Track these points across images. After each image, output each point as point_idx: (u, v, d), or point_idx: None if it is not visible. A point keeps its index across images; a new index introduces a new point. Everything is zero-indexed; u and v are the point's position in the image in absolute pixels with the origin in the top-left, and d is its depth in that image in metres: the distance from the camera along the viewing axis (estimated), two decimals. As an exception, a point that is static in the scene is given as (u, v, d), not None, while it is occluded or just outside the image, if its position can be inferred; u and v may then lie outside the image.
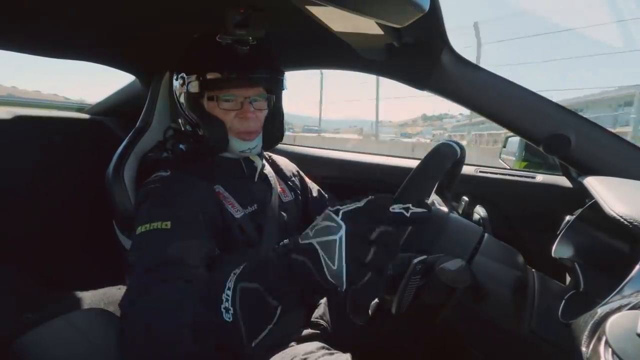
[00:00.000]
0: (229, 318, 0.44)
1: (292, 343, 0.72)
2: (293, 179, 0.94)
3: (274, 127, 0.78)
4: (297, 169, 0.99)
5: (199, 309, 0.47)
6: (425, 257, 0.47)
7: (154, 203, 0.66)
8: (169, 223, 0.60)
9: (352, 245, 0.41)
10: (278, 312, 0.45)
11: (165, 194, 0.67)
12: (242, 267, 0.49)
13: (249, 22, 0.64)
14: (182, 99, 0.73)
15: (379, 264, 0.42)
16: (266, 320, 0.45)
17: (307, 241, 0.44)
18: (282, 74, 0.74)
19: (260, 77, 0.70)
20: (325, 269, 0.42)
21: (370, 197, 0.45)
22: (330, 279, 0.41)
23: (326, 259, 0.41)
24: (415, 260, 0.45)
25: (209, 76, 0.67)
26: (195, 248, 0.60)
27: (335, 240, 0.41)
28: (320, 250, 0.42)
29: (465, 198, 0.83)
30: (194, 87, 0.68)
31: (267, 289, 0.45)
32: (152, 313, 0.49)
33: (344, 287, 0.41)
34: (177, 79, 0.73)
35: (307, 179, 1.00)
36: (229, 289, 0.45)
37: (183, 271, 0.54)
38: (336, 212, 0.44)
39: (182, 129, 0.79)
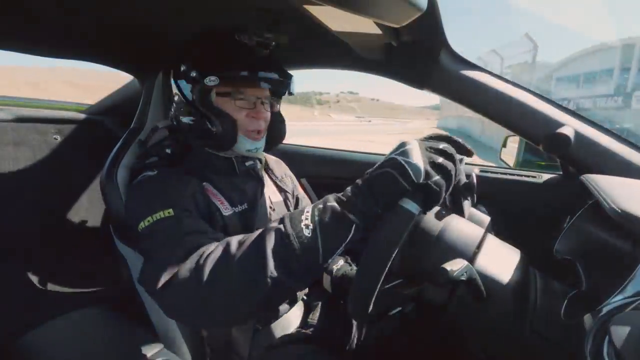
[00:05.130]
0: (309, 233, 0.49)
1: (289, 345, 0.72)
2: (284, 179, 0.93)
3: (278, 128, 0.79)
4: (289, 171, 0.98)
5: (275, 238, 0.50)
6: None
7: (149, 195, 0.65)
8: (171, 210, 0.61)
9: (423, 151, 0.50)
10: (352, 230, 0.49)
11: (158, 186, 0.67)
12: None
13: (280, 27, 0.65)
14: (189, 93, 0.72)
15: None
16: (341, 239, 0.49)
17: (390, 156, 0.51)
18: (291, 78, 0.75)
19: (276, 80, 0.71)
20: (410, 172, 0.48)
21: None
22: (413, 177, 0.48)
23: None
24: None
25: (231, 74, 0.68)
26: (204, 224, 0.62)
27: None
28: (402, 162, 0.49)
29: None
30: (213, 81, 0.67)
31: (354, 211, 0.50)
32: (220, 261, 0.51)
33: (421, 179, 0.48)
34: (187, 74, 0.71)
35: (297, 183, 0.98)
36: (307, 211, 0.51)
37: (210, 237, 0.57)
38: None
39: (174, 123, 0.77)
